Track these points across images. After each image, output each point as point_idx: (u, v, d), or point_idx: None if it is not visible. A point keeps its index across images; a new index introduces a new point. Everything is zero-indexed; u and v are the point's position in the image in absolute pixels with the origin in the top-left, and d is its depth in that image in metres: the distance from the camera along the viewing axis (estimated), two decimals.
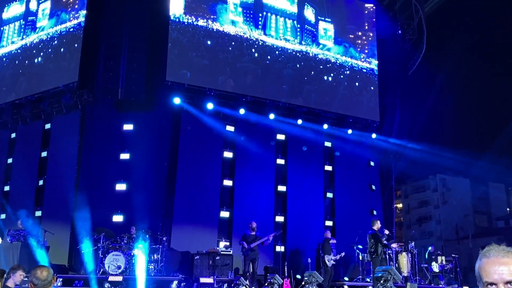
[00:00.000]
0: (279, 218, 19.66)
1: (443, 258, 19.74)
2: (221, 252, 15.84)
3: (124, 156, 17.27)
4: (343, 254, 16.57)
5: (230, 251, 16.20)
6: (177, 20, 18.31)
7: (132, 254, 13.82)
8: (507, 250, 2.20)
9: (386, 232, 14.87)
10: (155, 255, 14.71)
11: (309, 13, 21.59)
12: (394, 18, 23.29)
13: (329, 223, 20.79)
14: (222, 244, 17.61)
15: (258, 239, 14.70)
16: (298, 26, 21.13)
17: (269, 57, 20.04)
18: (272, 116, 19.68)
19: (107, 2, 18.34)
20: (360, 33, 22.68)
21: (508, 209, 70.47)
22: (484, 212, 67.68)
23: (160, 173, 17.72)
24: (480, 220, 65.88)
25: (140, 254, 13.71)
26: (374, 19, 23.06)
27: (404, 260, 17.20)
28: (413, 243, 18.31)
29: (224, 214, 18.46)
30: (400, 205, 68.69)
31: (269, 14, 20.43)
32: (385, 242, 14.42)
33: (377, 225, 14.59)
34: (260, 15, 20.25)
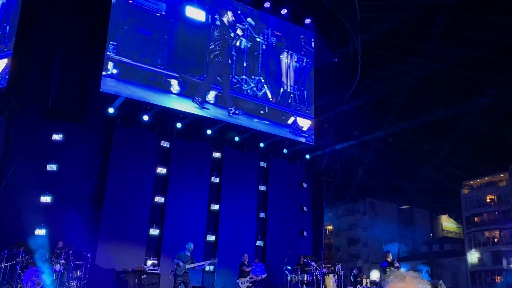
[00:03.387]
0: (210, 237, 19.49)
1: (368, 280, 20.32)
2: (148, 271, 15.44)
3: (51, 167, 16.54)
4: (264, 275, 16.70)
5: (157, 270, 15.82)
6: (115, 29, 17.98)
7: (53, 270, 13.17)
8: (404, 275, 2.38)
9: (396, 264, 15.31)
10: (78, 272, 14.10)
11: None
12: (332, 46, 24.07)
13: (260, 243, 20.88)
14: (149, 262, 17.16)
15: (193, 261, 14.48)
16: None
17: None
18: (209, 131, 19.66)
19: (43, 7, 17.65)
20: (299, 57, 23.24)
21: (431, 234, 73.84)
22: (409, 237, 70.46)
23: (88, 187, 17.09)
24: (405, 244, 68.44)
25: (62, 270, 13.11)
26: (312, 45, 23.75)
27: (330, 281, 17.50)
28: (340, 265, 18.69)
29: (154, 231, 18.04)
30: (330, 227, 70.15)
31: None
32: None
33: (390, 257, 15.01)
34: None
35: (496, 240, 56.43)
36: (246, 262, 16.46)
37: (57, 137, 16.82)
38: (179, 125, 18.91)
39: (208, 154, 20.35)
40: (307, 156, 23.06)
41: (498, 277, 54.21)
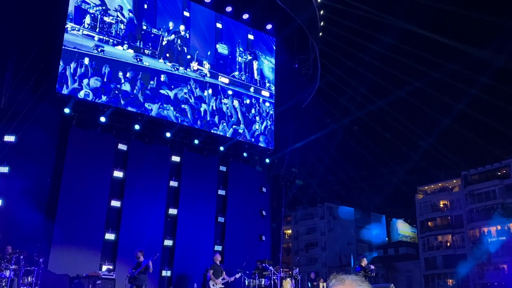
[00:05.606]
0: (168, 242, 19.27)
1: (324, 284, 20.53)
2: (103, 276, 15.10)
3: (3, 169, 15.95)
4: (238, 275, 16.52)
5: (112, 275, 15.49)
6: (73, 28, 17.61)
7: (2, 276, 12.70)
8: (343, 278, 2.52)
9: (372, 267, 15.56)
10: (29, 278, 13.64)
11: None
12: (292, 53, 24.37)
13: (218, 247, 20.78)
14: (104, 267, 16.81)
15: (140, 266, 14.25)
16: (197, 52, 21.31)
17: (163, 76, 19.86)
18: (168, 134, 19.48)
19: None
20: (257, 61, 23.37)
21: (387, 238, 75.45)
22: (366, 241, 71.83)
23: (42, 190, 16.59)
24: (361, 248, 69.70)
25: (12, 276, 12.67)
26: (274, 51, 23.96)
27: (288, 286, 17.58)
28: (297, 269, 18.80)
29: (110, 236, 17.69)
30: (289, 231, 70.63)
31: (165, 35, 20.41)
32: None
33: (364, 262, 15.26)
34: (153, 35, 20.15)
35: (448, 244, 58.18)
36: (217, 262, 16.28)
37: (10, 138, 16.23)
38: (137, 127, 18.66)
39: (167, 157, 20.15)
40: (267, 160, 23.20)
41: (450, 280, 55.91)
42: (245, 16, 22.79)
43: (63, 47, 17.24)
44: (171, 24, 20.53)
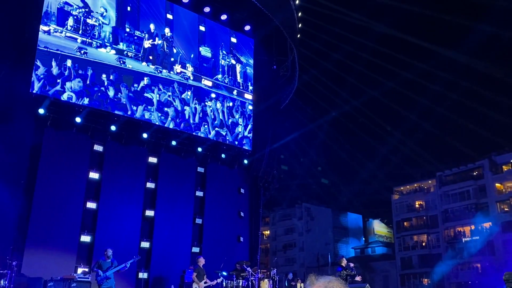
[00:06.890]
0: (145, 244, 19.09)
1: (302, 285, 20.64)
2: (78, 279, 14.85)
3: None
4: (219, 279, 16.47)
5: (88, 278, 15.24)
6: (56, 30, 17.34)
7: None
8: (314, 280, 2.65)
9: (352, 265, 15.82)
10: (1, 282, 13.35)
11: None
12: (270, 54, 24.43)
13: (196, 249, 20.69)
14: (80, 270, 16.55)
15: (114, 266, 13.97)
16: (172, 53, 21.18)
17: (147, 78, 19.69)
18: (145, 135, 19.30)
19: None
20: (240, 64, 23.36)
21: (363, 238, 76.19)
22: (343, 241, 72.39)
23: (15, 191, 16.22)
24: (339, 249, 70.24)
25: None
26: (252, 53, 23.98)
27: (266, 286, 17.62)
28: (275, 270, 18.86)
29: (85, 238, 17.45)
30: (267, 232, 70.73)
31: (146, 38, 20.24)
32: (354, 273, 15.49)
33: (344, 262, 15.42)
34: (136, 37, 19.97)
35: (424, 244, 59.03)
36: (201, 265, 16.19)
37: None
38: (113, 127, 18.44)
39: (143, 158, 19.97)
40: (245, 161, 23.19)
41: (426, 280, 56.73)
42: (224, 17, 22.76)
43: (46, 49, 17.00)
44: (154, 27, 20.39)
